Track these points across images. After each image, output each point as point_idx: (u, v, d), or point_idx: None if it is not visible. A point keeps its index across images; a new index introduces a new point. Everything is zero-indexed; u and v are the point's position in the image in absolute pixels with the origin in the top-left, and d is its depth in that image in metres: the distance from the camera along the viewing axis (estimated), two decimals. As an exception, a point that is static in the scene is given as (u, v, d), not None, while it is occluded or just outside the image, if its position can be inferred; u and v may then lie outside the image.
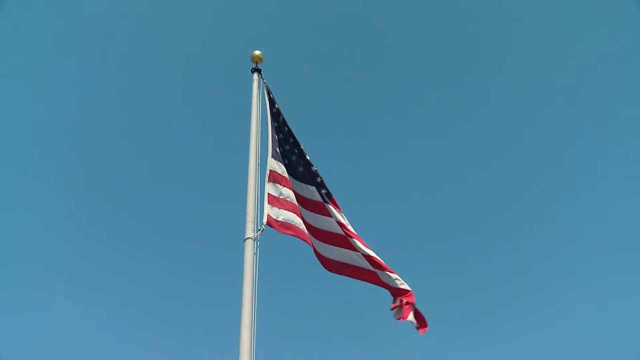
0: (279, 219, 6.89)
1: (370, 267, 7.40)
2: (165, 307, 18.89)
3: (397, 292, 7.38)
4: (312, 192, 7.63)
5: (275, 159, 7.34)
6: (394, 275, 7.36)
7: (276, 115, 7.83)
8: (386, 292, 7.45)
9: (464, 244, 21.54)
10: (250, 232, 6.50)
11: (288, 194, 7.25)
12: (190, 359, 17.15)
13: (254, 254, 6.36)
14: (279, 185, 7.19)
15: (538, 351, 17.17)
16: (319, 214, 7.54)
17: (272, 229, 6.77)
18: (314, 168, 7.69)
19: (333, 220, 7.53)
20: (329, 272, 7.46)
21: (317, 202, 7.58)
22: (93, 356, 16.67)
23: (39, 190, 19.76)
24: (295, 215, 7.16)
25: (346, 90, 23.94)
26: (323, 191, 7.62)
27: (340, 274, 7.48)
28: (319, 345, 17.67)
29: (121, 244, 20.21)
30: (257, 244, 6.46)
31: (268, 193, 6.92)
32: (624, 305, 17.16)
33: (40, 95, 20.29)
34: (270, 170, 7.15)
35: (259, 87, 8.00)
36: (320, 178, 7.68)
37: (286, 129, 7.81)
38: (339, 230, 7.47)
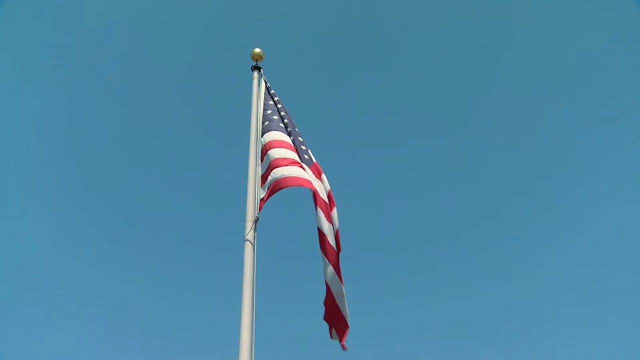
0: (272, 185, 6.56)
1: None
2: (164, 307, 18.88)
3: (328, 301, 6.76)
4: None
5: (263, 133, 7.20)
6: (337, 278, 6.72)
7: (274, 105, 7.75)
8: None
9: (464, 244, 21.53)
10: (250, 231, 6.44)
11: (281, 152, 6.93)
12: (189, 359, 17.12)
13: (254, 252, 6.32)
14: (272, 150, 6.95)
15: (538, 351, 17.15)
16: None
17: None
18: (300, 138, 7.49)
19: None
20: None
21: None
22: (92, 356, 16.65)
23: (39, 191, 19.77)
24: (290, 168, 6.71)
25: (346, 88, 23.96)
26: (306, 156, 7.28)
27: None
28: (319, 345, 17.63)
29: (121, 245, 20.20)
30: (255, 236, 6.39)
31: (261, 175, 6.76)
32: (624, 305, 17.14)
33: (40, 96, 20.31)
34: (262, 147, 7.04)
35: (259, 85, 7.97)
36: (306, 147, 7.43)
37: (285, 121, 7.63)
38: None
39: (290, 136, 7.39)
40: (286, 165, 6.75)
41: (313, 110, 22.28)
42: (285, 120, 7.56)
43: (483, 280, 20.18)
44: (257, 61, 8.19)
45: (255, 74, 8.08)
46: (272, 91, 7.93)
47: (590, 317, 17.87)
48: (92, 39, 21.24)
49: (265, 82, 8.03)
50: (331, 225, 6.89)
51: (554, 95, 22.17)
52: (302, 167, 6.90)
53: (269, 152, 6.96)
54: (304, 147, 7.42)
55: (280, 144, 7.09)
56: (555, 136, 22.13)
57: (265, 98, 7.70)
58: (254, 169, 7.02)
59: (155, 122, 22.38)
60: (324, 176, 7.27)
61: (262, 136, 7.19)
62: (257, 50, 8.26)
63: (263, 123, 7.36)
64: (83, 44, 21.13)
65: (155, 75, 22.45)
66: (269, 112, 7.59)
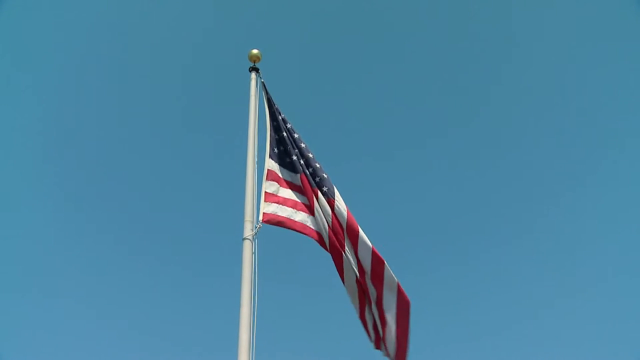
0: (280, 215, 6.84)
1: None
2: (163, 307, 18.91)
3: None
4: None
5: (272, 159, 7.29)
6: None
7: (274, 114, 7.73)
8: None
9: (465, 245, 21.56)
10: (248, 231, 6.49)
11: (288, 193, 7.16)
12: (188, 359, 17.15)
13: (253, 253, 6.37)
14: (276, 184, 7.13)
15: (538, 351, 17.19)
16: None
17: (272, 226, 6.72)
18: (318, 165, 7.46)
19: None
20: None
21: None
22: (92, 356, 16.68)
23: (39, 190, 19.78)
24: (296, 211, 7.01)
25: (345, 90, 23.95)
26: (325, 188, 7.22)
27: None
28: (318, 346, 17.66)
29: (120, 244, 20.23)
30: (255, 242, 6.46)
31: (265, 191, 6.90)
32: (625, 305, 17.17)
33: (40, 96, 20.32)
34: (268, 170, 7.13)
35: (256, 87, 7.96)
36: (326, 174, 7.35)
37: (287, 126, 7.66)
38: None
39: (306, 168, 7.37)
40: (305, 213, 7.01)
41: (311, 111, 22.30)
42: (296, 149, 7.50)
43: (483, 281, 20.25)
44: (254, 62, 8.19)
45: (253, 75, 8.06)
46: (275, 105, 7.81)
47: (590, 318, 17.93)
48: (88, 40, 21.29)
49: (264, 85, 7.97)
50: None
51: (553, 95, 22.24)
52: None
53: (290, 191, 7.17)
54: (325, 175, 7.32)
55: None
56: (555, 137, 22.19)
57: (270, 115, 7.67)
58: (252, 170, 7.06)
59: (152, 123, 22.41)
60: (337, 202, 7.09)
61: (272, 158, 7.26)
62: (255, 51, 8.25)
63: (272, 144, 7.40)
64: (82, 46, 21.17)
65: (152, 75, 22.48)
66: (279, 136, 7.55)
